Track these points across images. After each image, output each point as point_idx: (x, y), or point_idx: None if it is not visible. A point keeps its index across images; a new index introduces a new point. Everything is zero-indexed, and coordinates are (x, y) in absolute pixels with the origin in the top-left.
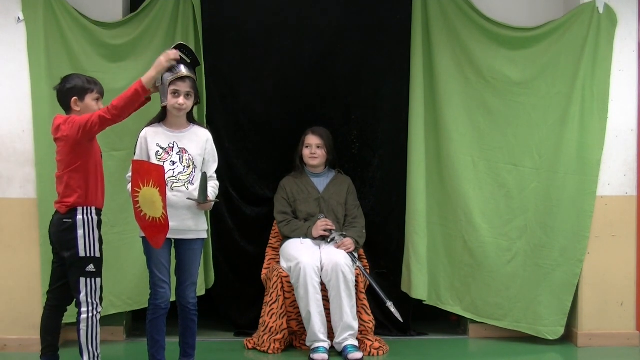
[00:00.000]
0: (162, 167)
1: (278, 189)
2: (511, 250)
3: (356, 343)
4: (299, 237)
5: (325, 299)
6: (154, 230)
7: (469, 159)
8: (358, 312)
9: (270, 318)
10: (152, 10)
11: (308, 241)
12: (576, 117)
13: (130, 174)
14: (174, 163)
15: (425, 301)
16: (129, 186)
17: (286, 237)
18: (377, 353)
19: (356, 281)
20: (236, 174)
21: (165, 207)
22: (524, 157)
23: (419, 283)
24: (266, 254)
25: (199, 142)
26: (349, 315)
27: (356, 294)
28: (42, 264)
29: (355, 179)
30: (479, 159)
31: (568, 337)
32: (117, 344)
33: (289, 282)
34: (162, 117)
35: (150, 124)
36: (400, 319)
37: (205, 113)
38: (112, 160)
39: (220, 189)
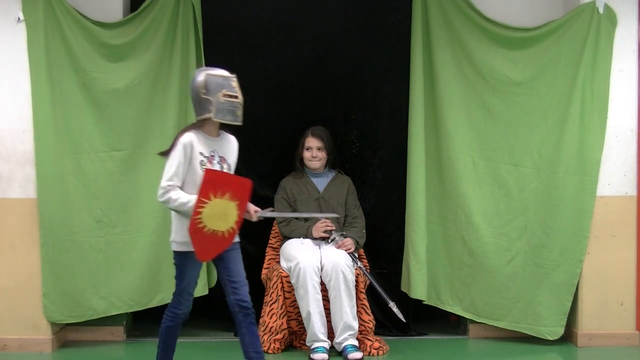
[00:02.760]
0: (250, 181)
1: (278, 189)
2: (511, 250)
3: (356, 343)
4: (299, 237)
5: (325, 299)
6: (210, 243)
7: (469, 159)
8: (358, 312)
9: (270, 318)
10: (152, 10)
11: (308, 241)
12: (576, 117)
13: (171, 193)
14: None
15: (424, 301)
16: (174, 197)
17: (286, 237)
18: (377, 353)
19: (356, 281)
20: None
21: (238, 223)
22: (524, 157)
23: (419, 283)
24: (266, 254)
25: (233, 150)
26: (349, 315)
27: (356, 294)
28: (42, 264)
29: (355, 179)
30: (479, 159)
31: (568, 337)
32: (117, 344)
33: (289, 282)
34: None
35: (190, 128)
36: (402, 319)
37: None
38: (112, 161)
39: None
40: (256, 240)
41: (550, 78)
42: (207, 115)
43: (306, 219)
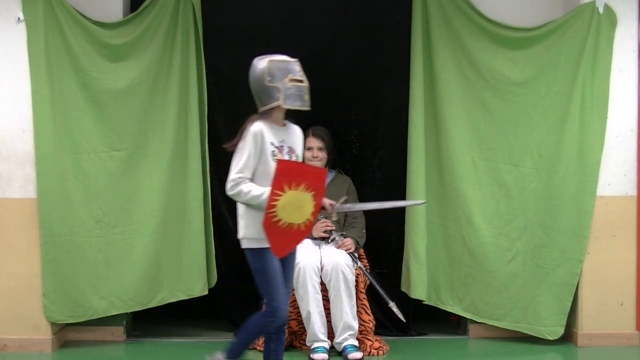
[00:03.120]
0: (325, 170)
1: None
2: (511, 250)
3: (356, 343)
4: None
5: (325, 299)
6: (286, 237)
7: (469, 159)
8: (358, 312)
9: None
10: (152, 10)
11: (308, 241)
12: (576, 117)
13: (238, 187)
14: None
15: (424, 301)
16: (245, 189)
17: None
18: (377, 353)
19: (356, 281)
20: None
21: (314, 214)
22: (524, 157)
23: (419, 283)
24: None
25: (300, 139)
26: (349, 315)
27: (356, 294)
28: (42, 264)
29: (355, 179)
30: (479, 159)
31: (568, 337)
32: (117, 344)
33: None
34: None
35: (257, 118)
36: (402, 319)
37: (205, 113)
38: (112, 160)
39: (221, 189)
40: None
41: (550, 78)
42: (275, 104)
43: None
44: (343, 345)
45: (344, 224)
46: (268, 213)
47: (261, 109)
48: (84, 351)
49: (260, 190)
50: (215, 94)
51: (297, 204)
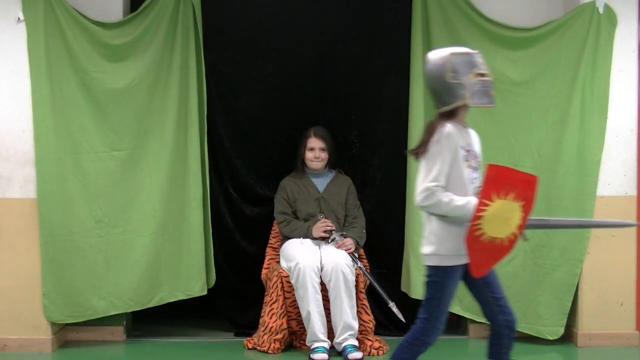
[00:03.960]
0: (536, 178)
1: (278, 189)
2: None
3: (356, 343)
4: (299, 237)
5: (325, 299)
6: (487, 254)
7: None
8: (358, 312)
9: (270, 318)
10: (152, 10)
11: (308, 241)
12: (576, 117)
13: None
14: (475, 170)
15: None
16: (445, 199)
17: (286, 237)
18: (377, 353)
19: (356, 281)
20: (236, 174)
21: (521, 227)
22: (524, 157)
23: (419, 283)
24: (266, 254)
25: (478, 142)
26: (349, 315)
27: (356, 294)
28: (42, 264)
29: (355, 179)
30: None
31: (568, 337)
32: (117, 344)
33: (289, 282)
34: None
35: (444, 119)
36: (402, 319)
37: (205, 113)
38: (112, 160)
39: (221, 189)
40: (256, 240)
41: (550, 78)
42: (460, 102)
43: (306, 219)
44: (343, 345)
45: (344, 224)
46: (473, 226)
47: (443, 109)
48: (84, 351)
49: (464, 200)
50: (215, 94)
51: (505, 215)
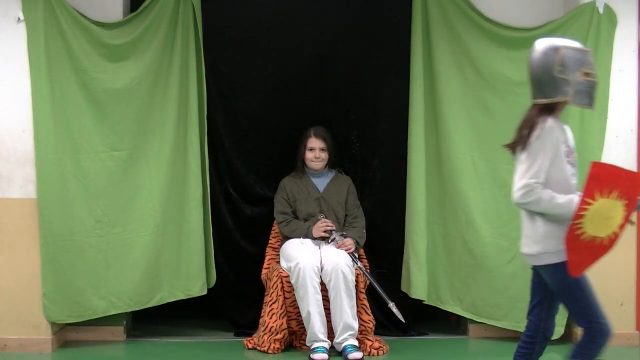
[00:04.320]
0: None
1: (278, 189)
2: (511, 250)
3: (356, 343)
4: (299, 237)
5: (325, 299)
6: (586, 253)
7: (469, 159)
8: (358, 312)
9: (270, 318)
10: (152, 10)
11: (308, 241)
12: (576, 117)
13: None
14: (573, 166)
15: (424, 301)
16: (545, 196)
17: (286, 237)
18: (377, 353)
19: (356, 281)
20: (236, 174)
21: (622, 226)
22: None
23: (419, 283)
24: (266, 254)
25: (572, 137)
26: (349, 315)
27: (356, 294)
28: (42, 264)
29: (355, 179)
30: (479, 159)
31: (568, 337)
32: (117, 344)
33: (289, 282)
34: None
35: (545, 113)
36: (402, 319)
37: (205, 113)
38: (112, 160)
39: (221, 189)
40: (256, 240)
41: None
42: (562, 98)
43: (306, 219)
44: (343, 345)
45: (344, 224)
46: (573, 224)
47: (540, 101)
48: (84, 351)
49: (566, 198)
50: (215, 94)
51: (606, 214)
